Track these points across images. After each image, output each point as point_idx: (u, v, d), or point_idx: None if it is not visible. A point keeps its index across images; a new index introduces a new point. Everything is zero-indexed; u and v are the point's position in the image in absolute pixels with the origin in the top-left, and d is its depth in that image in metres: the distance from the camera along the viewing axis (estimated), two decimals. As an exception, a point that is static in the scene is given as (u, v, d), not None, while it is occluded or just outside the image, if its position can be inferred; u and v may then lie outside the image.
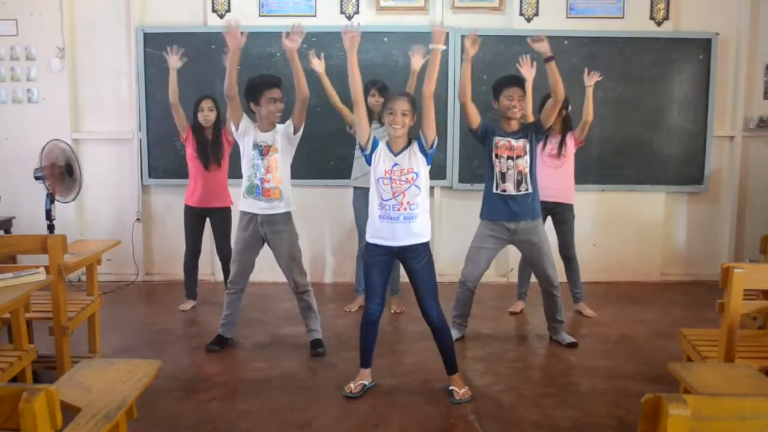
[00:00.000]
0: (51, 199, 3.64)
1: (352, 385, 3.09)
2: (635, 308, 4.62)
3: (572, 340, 3.78)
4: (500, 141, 3.61)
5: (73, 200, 3.90)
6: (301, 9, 5.18)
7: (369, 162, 3.09)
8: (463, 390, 3.06)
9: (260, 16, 5.18)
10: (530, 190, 3.61)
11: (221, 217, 4.43)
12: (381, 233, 3.04)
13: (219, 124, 4.40)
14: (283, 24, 5.10)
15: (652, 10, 5.17)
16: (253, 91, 3.54)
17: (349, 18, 5.16)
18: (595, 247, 5.29)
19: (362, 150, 3.12)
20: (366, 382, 3.13)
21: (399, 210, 2.99)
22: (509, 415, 2.90)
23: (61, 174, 3.69)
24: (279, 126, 3.61)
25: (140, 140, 5.22)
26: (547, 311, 3.81)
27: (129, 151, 5.30)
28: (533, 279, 4.24)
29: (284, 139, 3.57)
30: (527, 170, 3.60)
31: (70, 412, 1.75)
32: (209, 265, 5.18)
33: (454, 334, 3.63)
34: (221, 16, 5.17)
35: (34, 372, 2.98)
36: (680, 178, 5.29)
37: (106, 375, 2.07)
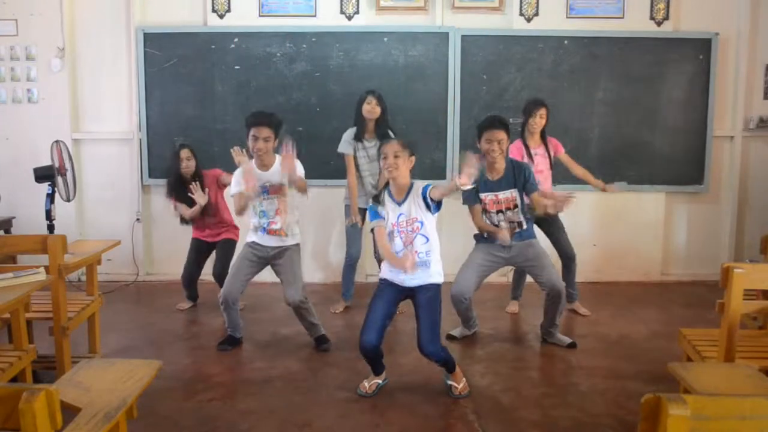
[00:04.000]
0: (51, 199, 3.64)
1: (366, 384, 3.09)
2: (635, 308, 4.62)
3: (571, 340, 3.77)
4: (486, 197, 3.62)
5: (72, 199, 3.90)
6: (301, 9, 5.17)
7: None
8: (461, 384, 3.07)
9: (260, 16, 5.18)
10: (525, 227, 3.66)
11: (226, 245, 4.45)
12: (392, 273, 3.05)
13: (198, 172, 4.34)
14: (283, 24, 5.15)
15: (652, 10, 5.17)
16: (247, 124, 3.56)
17: (349, 18, 5.15)
18: (595, 247, 5.29)
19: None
20: (380, 381, 3.13)
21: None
22: (509, 415, 2.90)
23: (65, 173, 3.70)
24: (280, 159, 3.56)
25: (140, 140, 5.22)
26: (547, 313, 3.75)
27: (129, 151, 5.29)
28: (527, 280, 4.24)
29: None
30: (521, 219, 3.64)
31: (70, 412, 1.75)
32: (209, 266, 5.17)
33: (466, 331, 3.88)
34: (221, 16, 5.17)
35: (34, 372, 2.99)
36: (680, 178, 5.29)
37: (106, 375, 2.07)
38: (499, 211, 3.64)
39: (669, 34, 5.17)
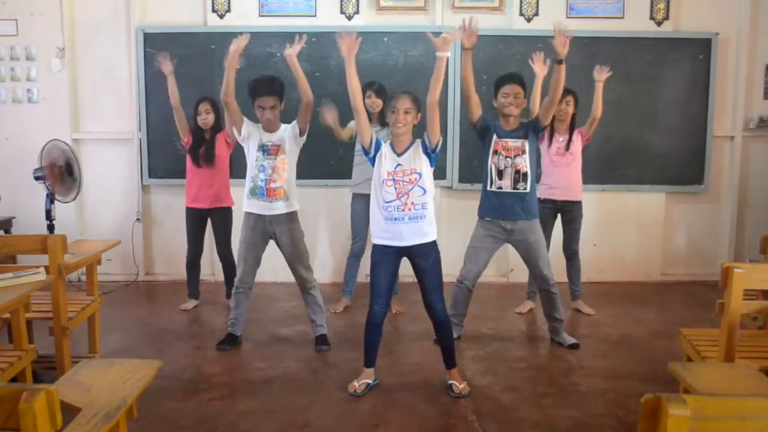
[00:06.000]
0: (51, 199, 3.63)
1: (356, 384, 3.10)
2: (635, 308, 4.62)
3: (574, 341, 3.77)
4: (498, 140, 3.61)
5: (73, 200, 3.90)
6: (301, 9, 5.17)
7: (373, 164, 3.09)
8: (462, 384, 3.08)
9: (260, 16, 5.18)
10: (528, 189, 3.59)
11: (221, 217, 4.43)
12: (386, 234, 3.04)
13: (219, 126, 4.41)
14: (283, 24, 5.14)
15: (652, 10, 5.17)
16: (250, 94, 3.56)
17: (349, 18, 5.16)
18: (595, 247, 5.29)
19: (366, 153, 3.12)
20: (369, 381, 3.13)
21: (403, 211, 3.00)
22: (509, 415, 2.90)
23: (60, 174, 3.69)
24: (285, 125, 3.63)
25: (140, 140, 5.22)
26: (545, 310, 3.81)
27: (129, 151, 5.30)
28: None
29: (291, 140, 3.60)
30: (526, 169, 3.58)
31: (70, 412, 1.75)
32: (209, 265, 5.17)
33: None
34: (221, 16, 5.17)
35: (34, 372, 2.98)
36: (680, 178, 5.29)
37: (106, 375, 2.07)
38: (507, 157, 3.60)
39: (669, 34, 5.17)
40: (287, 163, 3.59)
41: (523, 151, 3.58)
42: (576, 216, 4.32)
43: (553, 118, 4.24)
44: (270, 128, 3.60)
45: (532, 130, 3.61)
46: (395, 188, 3.00)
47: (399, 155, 3.03)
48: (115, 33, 5.21)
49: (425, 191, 3.01)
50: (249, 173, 3.62)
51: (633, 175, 5.24)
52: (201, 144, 4.36)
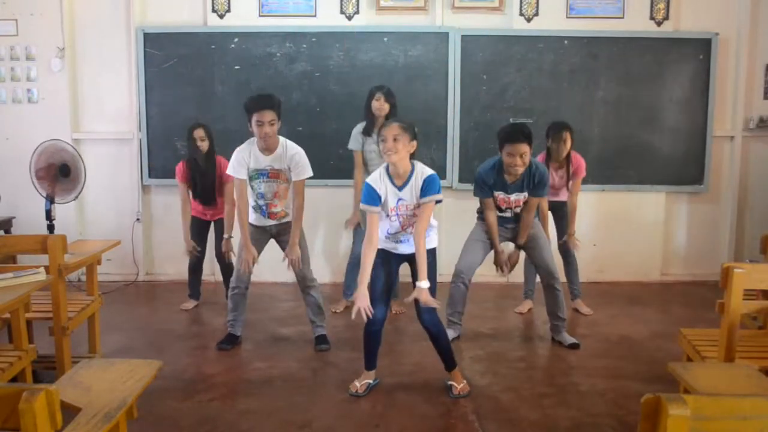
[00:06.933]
0: (51, 199, 3.63)
1: (357, 384, 3.09)
2: (635, 308, 4.62)
3: (574, 341, 3.76)
4: (499, 195, 3.65)
5: (74, 200, 3.89)
6: (301, 9, 5.17)
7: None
8: (461, 384, 3.08)
9: (260, 16, 5.18)
10: None
11: (223, 223, 4.44)
12: (387, 245, 3.09)
13: (212, 153, 4.37)
14: (283, 24, 5.15)
15: (652, 10, 5.17)
16: (246, 110, 3.47)
17: (350, 18, 5.15)
18: (595, 247, 5.28)
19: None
20: (370, 381, 3.13)
21: (409, 237, 3.03)
22: (509, 415, 2.90)
23: (55, 175, 3.68)
24: (283, 145, 3.54)
25: (140, 140, 5.22)
26: (548, 307, 3.79)
27: (129, 151, 5.30)
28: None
29: (290, 173, 3.55)
30: None
31: (70, 412, 1.75)
32: (209, 266, 5.17)
33: (450, 334, 3.60)
34: (221, 16, 5.16)
35: (34, 372, 2.98)
36: (680, 178, 5.29)
37: (106, 375, 2.07)
38: (507, 208, 3.69)
39: (669, 34, 5.17)
40: (289, 190, 3.57)
41: (526, 207, 3.66)
42: (565, 212, 4.32)
43: (549, 151, 4.19)
44: (268, 145, 3.49)
45: (538, 182, 3.57)
46: (399, 222, 3.01)
47: (400, 189, 2.96)
48: (115, 33, 5.20)
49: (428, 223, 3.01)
50: (250, 195, 3.59)
51: (633, 175, 5.24)
52: (197, 183, 4.37)
